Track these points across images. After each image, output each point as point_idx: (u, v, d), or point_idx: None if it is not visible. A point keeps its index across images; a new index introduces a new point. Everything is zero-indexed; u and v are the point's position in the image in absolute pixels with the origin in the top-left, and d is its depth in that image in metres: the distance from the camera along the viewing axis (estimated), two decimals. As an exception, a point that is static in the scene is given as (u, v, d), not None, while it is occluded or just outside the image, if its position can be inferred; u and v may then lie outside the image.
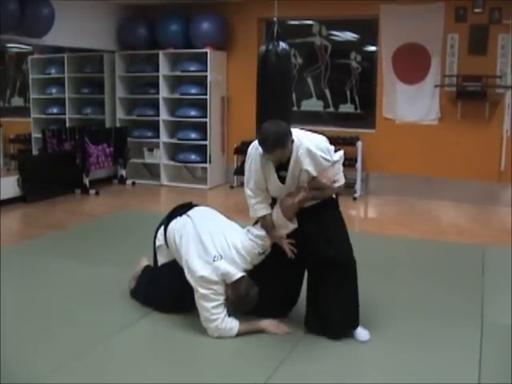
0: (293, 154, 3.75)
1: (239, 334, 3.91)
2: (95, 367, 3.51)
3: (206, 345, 3.83)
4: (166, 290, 4.24)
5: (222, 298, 3.86)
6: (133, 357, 3.70)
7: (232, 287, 3.84)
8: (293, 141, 3.72)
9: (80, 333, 3.95)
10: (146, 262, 4.60)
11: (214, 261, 3.82)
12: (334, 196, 4.01)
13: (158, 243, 4.27)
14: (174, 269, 4.04)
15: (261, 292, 3.88)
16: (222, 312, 3.86)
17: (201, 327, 3.92)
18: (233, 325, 3.90)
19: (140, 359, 3.67)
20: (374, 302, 4.58)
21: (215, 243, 3.89)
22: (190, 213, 4.18)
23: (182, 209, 4.28)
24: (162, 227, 4.23)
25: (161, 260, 4.26)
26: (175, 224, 4.14)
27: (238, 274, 3.84)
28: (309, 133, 3.93)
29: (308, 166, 3.76)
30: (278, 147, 3.66)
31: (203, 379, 3.42)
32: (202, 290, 3.81)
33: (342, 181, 3.97)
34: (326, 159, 3.80)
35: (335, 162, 3.88)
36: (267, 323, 3.99)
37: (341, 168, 3.96)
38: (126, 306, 4.40)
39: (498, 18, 8.23)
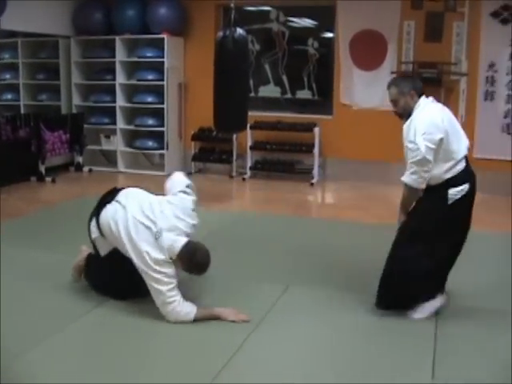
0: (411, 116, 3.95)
1: (196, 320, 3.91)
2: (52, 357, 3.49)
3: (164, 331, 3.84)
4: (118, 277, 4.21)
5: (175, 281, 3.86)
6: (90, 346, 3.68)
7: (181, 258, 3.82)
8: (412, 96, 3.97)
9: (36, 322, 3.91)
10: (87, 250, 4.51)
11: (156, 239, 3.82)
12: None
13: (93, 236, 4.21)
14: (122, 256, 4.01)
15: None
16: (177, 294, 3.86)
17: (157, 314, 3.91)
18: (189, 309, 3.90)
19: (97, 348, 3.65)
20: (331, 285, 4.65)
21: (152, 219, 3.89)
22: (117, 198, 4.14)
23: (109, 196, 4.23)
24: (94, 219, 4.18)
25: (103, 250, 4.20)
26: (106, 213, 4.08)
27: (181, 241, 3.84)
28: (438, 112, 3.94)
29: (406, 125, 3.93)
30: (391, 84, 4.10)
31: (161, 365, 3.42)
32: (153, 274, 3.81)
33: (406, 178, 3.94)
34: (411, 137, 3.82)
35: (418, 153, 3.79)
36: (225, 310, 4.00)
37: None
38: (83, 295, 4.36)
39: (453, 5, 8.32)
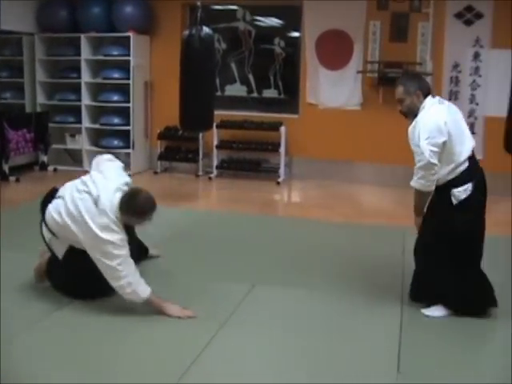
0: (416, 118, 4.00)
1: (149, 305, 3.94)
2: (16, 357, 3.45)
3: (127, 331, 3.82)
4: (79, 277, 4.18)
5: (125, 251, 3.84)
6: (53, 346, 3.64)
7: (123, 209, 3.84)
8: (418, 96, 4.01)
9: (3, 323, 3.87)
10: (47, 253, 4.47)
11: (96, 205, 3.86)
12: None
13: (47, 240, 4.23)
14: (81, 255, 4.00)
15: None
16: (130, 266, 3.85)
17: (121, 314, 3.91)
18: (146, 287, 3.90)
19: (60, 349, 3.61)
20: (296, 284, 4.67)
21: (86, 190, 3.95)
22: (57, 195, 4.20)
23: (49, 197, 4.27)
24: (43, 224, 4.21)
25: (60, 252, 4.19)
26: (49, 210, 4.13)
27: (119, 195, 3.89)
28: (441, 114, 3.94)
29: (411, 127, 3.99)
30: (398, 83, 4.11)
31: (126, 366, 3.41)
32: (102, 247, 3.80)
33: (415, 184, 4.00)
34: (416, 141, 3.89)
35: (422, 158, 3.85)
36: (171, 306, 3.97)
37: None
38: (46, 295, 4.31)
39: (417, 6, 8.42)
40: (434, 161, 3.82)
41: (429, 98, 4.03)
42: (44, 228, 4.23)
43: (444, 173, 3.92)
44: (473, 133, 8.16)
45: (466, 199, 3.92)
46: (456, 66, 8.40)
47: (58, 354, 3.53)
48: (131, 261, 3.87)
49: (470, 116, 8.29)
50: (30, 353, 3.51)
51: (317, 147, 9.05)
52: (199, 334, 3.77)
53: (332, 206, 7.52)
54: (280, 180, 8.92)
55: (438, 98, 4.11)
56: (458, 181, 3.93)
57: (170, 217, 6.55)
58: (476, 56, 8.31)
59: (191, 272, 4.92)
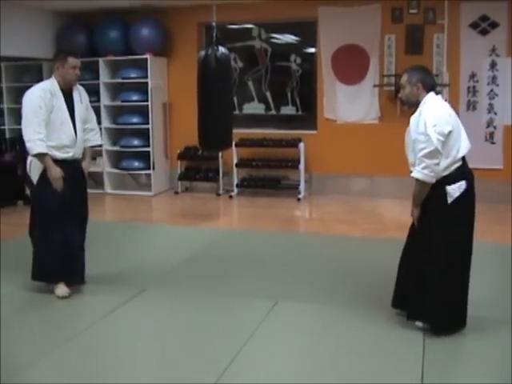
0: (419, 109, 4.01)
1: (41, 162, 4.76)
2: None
3: (163, 341, 3.85)
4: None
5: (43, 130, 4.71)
6: (94, 356, 3.68)
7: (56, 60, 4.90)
8: (418, 88, 4.02)
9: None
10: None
11: None
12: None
13: (29, 167, 5.03)
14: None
15: None
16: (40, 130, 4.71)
17: (155, 323, 3.90)
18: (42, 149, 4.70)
19: (99, 357, 3.64)
20: (320, 300, 4.67)
21: None
22: None
23: None
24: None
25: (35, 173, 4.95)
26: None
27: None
28: (443, 110, 3.97)
29: (413, 116, 4.02)
30: (405, 71, 4.15)
31: (164, 371, 3.44)
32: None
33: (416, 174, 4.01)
34: (421, 129, 3.89)
35: (429, 145, 3.85)
36: (54, 170, 4.84)
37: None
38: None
39: (432, 18, 8.43)
40: (440, 148, 3.84)
41: (431, 94, 4.04)
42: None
43: (441, 167, 3.91)
44: (492, 142, 8.18)
45: (460, 198, 3.93)
46: (473, 75, 8.39)
47: (95, 361, 3.57)
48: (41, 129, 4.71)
49: (489, 125, 8.25)
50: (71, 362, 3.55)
51: (336, 162, 9.06)
52: (225, 348, 3.81)
53: (353, 221, 7.51)
54: (300, 196, 8.93)
55: (440, 96, 4.14)
56: (452, 178, 3.94)
57: (192, 236, 6.60)
58: (493, 65, 8.30)
59: (214, 289, 4.95)
